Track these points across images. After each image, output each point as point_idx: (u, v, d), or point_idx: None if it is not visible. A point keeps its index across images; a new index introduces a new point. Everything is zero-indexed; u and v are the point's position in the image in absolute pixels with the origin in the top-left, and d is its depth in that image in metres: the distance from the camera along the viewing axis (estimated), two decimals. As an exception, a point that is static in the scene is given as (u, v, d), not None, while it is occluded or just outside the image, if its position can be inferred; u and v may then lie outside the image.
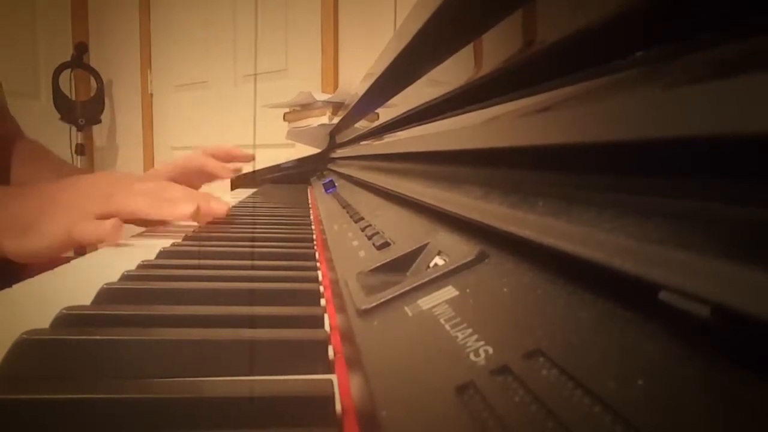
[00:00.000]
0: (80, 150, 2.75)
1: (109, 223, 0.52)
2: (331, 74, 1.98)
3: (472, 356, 0.15)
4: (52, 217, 0.55)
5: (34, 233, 0.54)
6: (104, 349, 0.22)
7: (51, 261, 0.50)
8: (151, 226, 0.62)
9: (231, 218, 0.68)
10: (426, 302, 0.20)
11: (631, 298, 0.13)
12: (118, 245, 0.52)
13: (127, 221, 0.57)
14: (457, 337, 0.16)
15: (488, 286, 0.19)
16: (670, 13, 0.15)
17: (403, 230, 0.34)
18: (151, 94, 2.69)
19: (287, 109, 1.55)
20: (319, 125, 1.40)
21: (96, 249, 0.52)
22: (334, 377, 0.22)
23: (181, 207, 0.56)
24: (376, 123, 0.70)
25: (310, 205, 0.87)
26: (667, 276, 0.11)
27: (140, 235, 0.59)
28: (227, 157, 0.88)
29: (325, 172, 1.24)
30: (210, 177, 0.84)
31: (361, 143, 0.86)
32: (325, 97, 1.45)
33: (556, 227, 0.16)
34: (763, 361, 0.09)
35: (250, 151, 0.95)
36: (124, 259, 0.46)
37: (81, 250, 0.66)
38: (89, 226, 0.53)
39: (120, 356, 0.22)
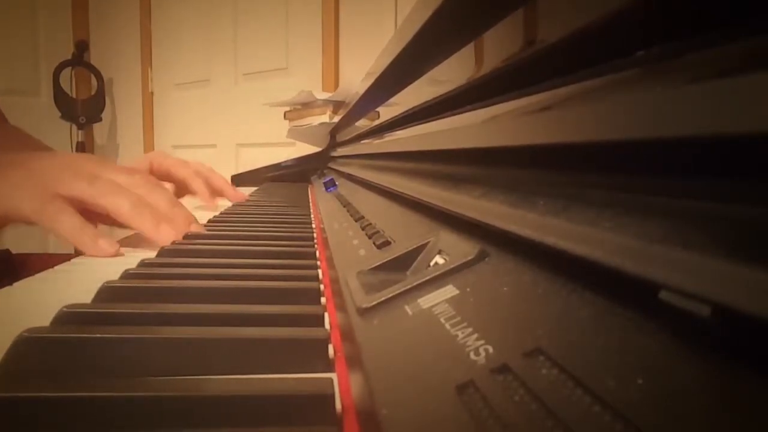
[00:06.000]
0: (81, 148, 2.75)
1: (103, 242, 0.46)
2: (332, 73, 1.98)
3: (472, 355, 0.15)
4: (14, 183, 0.47)
5: None
6: (105, 348, 0.22)
7: None
8: (118, 226, 0.54)
9: (232, 217, 0.69)
10: (426, 301, 0.20)
11: (631, 298, 0.13)
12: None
13: (96, 214, 0.50)
14: (457, 335, 0.17)
15: (488, 285, 0.19)
16: (670, 13, 0.15)
17: (403, 229, 0.34)
18: (152, 93, 2.69)
19: (288, 108, 1.55)
20: (319, 124, 1.40)
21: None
22: (334, 376, 0.22)
23: (164, 230, 0.49)
24: (377, 122, 0.70)
25: (310, 204, 0.87)
26: (667, 275, 0.11)
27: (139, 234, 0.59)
28: (218, 188, 0.87)
29: (325, 171, 1.24)
30: (187, 192, 0.81)
31: (362, 142, 0.86)
32: (325, 95, 1.45)
33: (557, 226, 0.16)
34: (763, 360, 0.09)
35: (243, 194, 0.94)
36: (125, 258, 0.46)
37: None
38: (63, 216, 0.46)
39: (120, 354, 0.22)
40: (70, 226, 0.47)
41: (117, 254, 0.47)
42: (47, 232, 0.49)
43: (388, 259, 0.27)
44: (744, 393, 0.09)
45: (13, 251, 0.90)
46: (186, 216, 0.53)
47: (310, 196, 1.01)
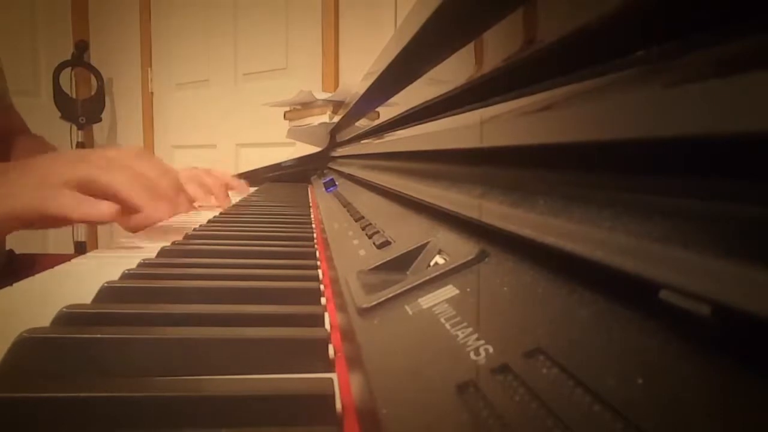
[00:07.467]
0: (81, 148, 2.76)
1: (104, 204, 0.46)
2: (332, 73, 1.98)
3: (472, 355, 0.15)
4: (9, 183, 0.47)
5: None
6: (104, 348, 0.22)
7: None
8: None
9: (232, 217, 0.69)
10: (426, 301, 0.20)
11: (631, 297, 0.13)
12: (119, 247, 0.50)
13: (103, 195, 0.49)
14: (457, 335, 0.17)
15: (488, 285, 0.19)
16: (670, 13, 0.15)
17: (403, 229, 0.34)
18: (152, 93, 2.69)
19: (288, 108, 1.55)
20: (319, 124, 1.40)
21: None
22: (334, 376, 0.22)
23: (161, 206, 0.50)
24: (377, 122, 0.70)
25: (310, 204, 0.87)
26: (667, 275, 0.11)
27: (141, 233, 0.59)
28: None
29: (325, 171, 1.24)
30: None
31: (362, 142, 0.85)
32: (325, 95, 1.45)
33: (557, 226, 0.16)
34: (763, 360, 0.09)
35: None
36: (125, 258, 0.46)
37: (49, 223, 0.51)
38: (64, 197, 0.46)
39: (120, 355, 0.22)
40: (69, 201, 0.47)
41: (117, 215, 0.47)
42: (46, 232, 0.49)
43: (388, 259, 0.27)
44: (744, 393, 0.09)
45: (17, 252, 0.90)
46: (175, 186, 0.55)
47: (310, 196, 1.01)
